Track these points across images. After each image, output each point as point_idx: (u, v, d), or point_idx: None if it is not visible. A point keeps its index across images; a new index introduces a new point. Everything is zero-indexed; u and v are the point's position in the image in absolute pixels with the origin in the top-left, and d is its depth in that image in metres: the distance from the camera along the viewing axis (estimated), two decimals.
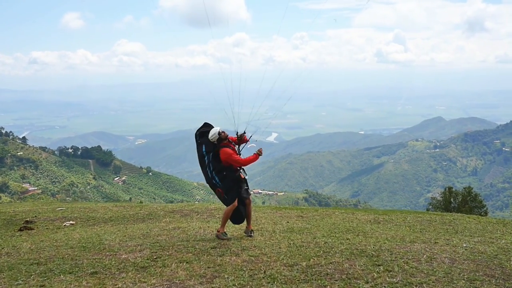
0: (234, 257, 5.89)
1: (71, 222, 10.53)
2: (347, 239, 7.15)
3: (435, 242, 7.00)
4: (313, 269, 5.31)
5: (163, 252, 6.24)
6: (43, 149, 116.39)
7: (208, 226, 8.72)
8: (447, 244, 6.89)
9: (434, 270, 5.29)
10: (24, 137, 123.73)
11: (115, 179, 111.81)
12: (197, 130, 7.24)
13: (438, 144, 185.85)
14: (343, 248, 6.37)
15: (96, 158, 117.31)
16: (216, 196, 7.23)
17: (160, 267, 5.49)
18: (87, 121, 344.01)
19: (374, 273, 5.14)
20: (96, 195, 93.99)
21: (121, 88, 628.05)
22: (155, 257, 5.99)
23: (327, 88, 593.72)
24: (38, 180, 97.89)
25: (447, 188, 25.94)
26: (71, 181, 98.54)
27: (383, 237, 7.44)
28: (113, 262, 5.74)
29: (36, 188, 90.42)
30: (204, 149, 7.04)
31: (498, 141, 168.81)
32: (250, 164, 7.08)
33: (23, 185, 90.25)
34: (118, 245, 6.83)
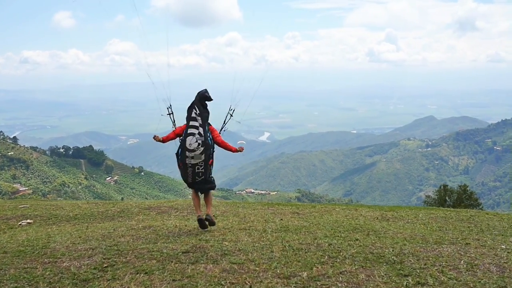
0: (211, 265, 4.40)
1: (28, 221, 9.01)
2: (356, 239, 5.69)
3: (466, 243, 5.59)
4: (318, 282, 3.85)
5: (119, 259, 4.72)
6: (34, 149, 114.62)
7: (186, 225, 7.22)
8: (481, 245, 5.48)
9: (482, 282, 3.87)
10: (15, 137, 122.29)
11: (107, 179, 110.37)
12: (204, 93, 6.34)
13: (430, 143, 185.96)
14: (353, 251, 4.91)
15: (88, 158, 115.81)
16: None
17: (108, 280, 3.99)
18: (79, 120, 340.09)
19: None
20: (88, 195, 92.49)
21: (113, 87, 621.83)
22: (105, 265, 4.48)
23: (320, 88, 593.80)
24: (29, 180, 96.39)
25: (442, 186, 25.29)
26: (63, 181, 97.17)
27: (399, 237, 6.01)
28: (47, 273, 4.25)
29: (27, 188, 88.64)
30: (207, 117, 6.27)
31: (490, 140, 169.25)
32: (224, 149, 6.32)
33: (14, 185, 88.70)
34: (64, 249, 5.32)
